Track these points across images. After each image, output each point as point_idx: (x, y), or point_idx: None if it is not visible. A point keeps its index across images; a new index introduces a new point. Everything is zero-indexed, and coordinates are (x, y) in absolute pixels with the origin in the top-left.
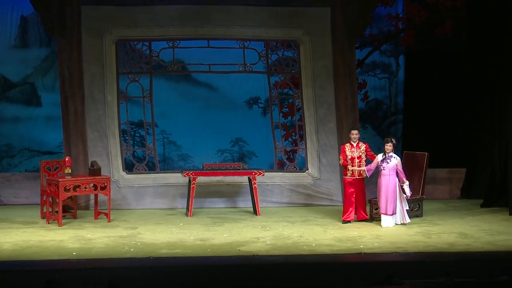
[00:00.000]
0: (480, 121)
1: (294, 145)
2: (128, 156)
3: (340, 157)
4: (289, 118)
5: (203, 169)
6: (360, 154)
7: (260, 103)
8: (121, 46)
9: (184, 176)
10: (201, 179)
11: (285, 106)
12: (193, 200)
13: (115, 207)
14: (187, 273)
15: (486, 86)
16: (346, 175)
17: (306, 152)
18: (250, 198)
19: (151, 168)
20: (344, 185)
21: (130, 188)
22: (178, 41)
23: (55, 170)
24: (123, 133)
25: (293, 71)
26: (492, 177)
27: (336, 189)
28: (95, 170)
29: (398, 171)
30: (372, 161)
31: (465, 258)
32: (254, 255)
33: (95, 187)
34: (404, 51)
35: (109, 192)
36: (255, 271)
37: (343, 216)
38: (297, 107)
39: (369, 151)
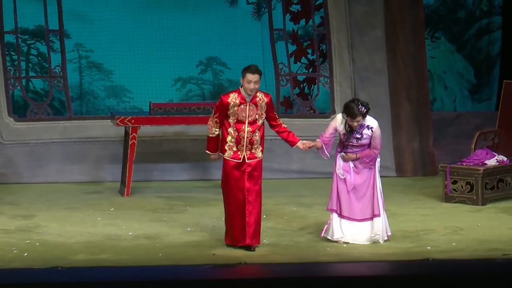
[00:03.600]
0: None
1: (310, 70)
2: (18, 89)
3: (211, 120)
4: (303, 22)
5: (150, 113)
6: (256, 116)
7: None
8: None
9: (117, 125)
10: (146, 130)
11: (294, 2)
12: (132, 168)
13: None
14: None
15: None
16: (224, 152)
17: (331, 82)
18: None
19: (58, 111)
20: (224, 174)
21: (21, 146)
22: None
23: None
24: (7, 48)
25: None
26: None
27: (385, 148)
28: None
29: (371, 147)
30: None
31: None
32: (241, 263)
33: None
34: None
35: None
36: None
37: (226, 237)
38: (316, 3)
39: (272, 112)
